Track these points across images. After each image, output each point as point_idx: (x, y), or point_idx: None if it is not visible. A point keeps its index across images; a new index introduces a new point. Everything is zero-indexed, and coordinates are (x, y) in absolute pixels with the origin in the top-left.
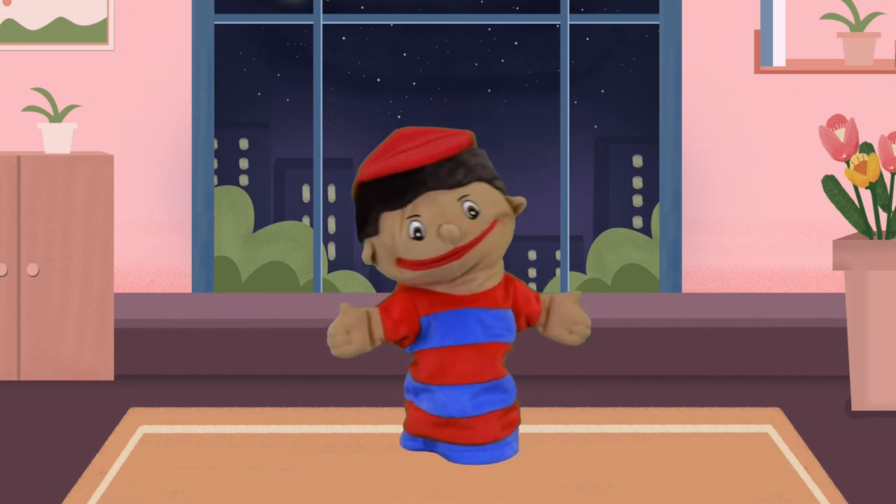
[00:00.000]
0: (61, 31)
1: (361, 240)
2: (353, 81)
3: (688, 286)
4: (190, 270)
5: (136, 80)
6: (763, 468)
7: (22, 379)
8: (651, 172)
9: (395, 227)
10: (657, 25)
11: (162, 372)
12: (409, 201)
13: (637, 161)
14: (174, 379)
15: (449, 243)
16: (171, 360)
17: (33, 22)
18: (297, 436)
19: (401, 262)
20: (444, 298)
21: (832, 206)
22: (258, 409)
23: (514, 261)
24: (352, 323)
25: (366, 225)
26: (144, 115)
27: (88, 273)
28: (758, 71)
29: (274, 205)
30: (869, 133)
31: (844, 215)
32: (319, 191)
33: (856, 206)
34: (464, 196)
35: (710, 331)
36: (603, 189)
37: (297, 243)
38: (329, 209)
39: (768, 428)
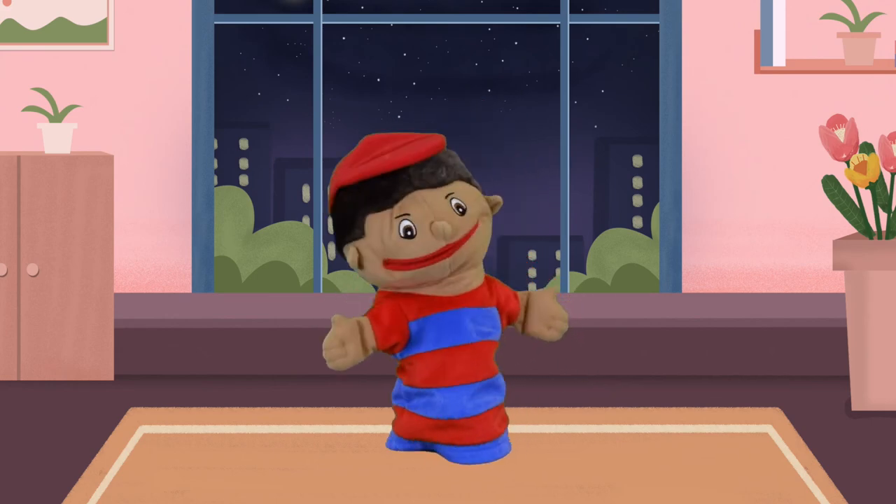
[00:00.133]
0: (61, 31)
1: (341, 247)
2: (353, 81)
3: (688, 286)
4: (190, 270)
5: (136, 80)
6: (763, 468)
7: (22, 379)
8: (651, 172)
9: (383, 228)
10: (657, 25)
11: (162, 372)
12: (397, 201)
13: (637, 161)
14: (174, 379)
15: (441, 240)
16: (171, 360)
17: (33, 22)
18: (297, 436)
19: (389, 264)
20: (433, 301)
21: (832, 206)
22: (258, 409)
23: (514, 261)
24: (346, 335)
25: (351, 229)
26: (144, 115)
27: (88, 273)
28: (758, 71)
29: (274, 205)
30: (869, 133)
31: (844, 215)
32: (319, 191)
33: (856, 206)
34: (450, 194)
35: (710, 331)
36: (603, 189)
37: (297, 243)
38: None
39: (768, 428)
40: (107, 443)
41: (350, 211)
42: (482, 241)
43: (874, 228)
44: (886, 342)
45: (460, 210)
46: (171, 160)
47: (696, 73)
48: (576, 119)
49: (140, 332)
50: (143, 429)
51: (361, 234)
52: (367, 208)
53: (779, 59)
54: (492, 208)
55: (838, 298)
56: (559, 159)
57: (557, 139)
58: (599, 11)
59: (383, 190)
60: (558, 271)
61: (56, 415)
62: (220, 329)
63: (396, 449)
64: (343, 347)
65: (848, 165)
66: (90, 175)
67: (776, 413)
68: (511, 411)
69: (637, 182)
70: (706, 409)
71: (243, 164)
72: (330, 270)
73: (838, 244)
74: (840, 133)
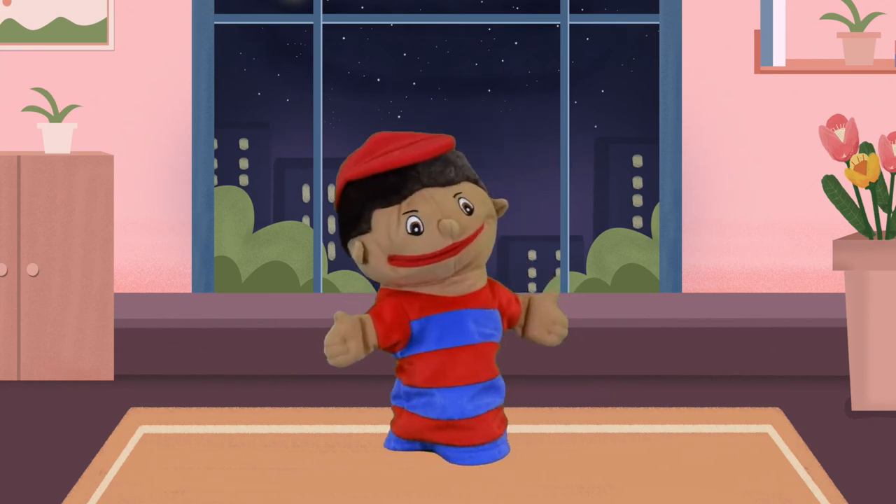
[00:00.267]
0: (61, 31)
1: (345, 242)
2: (353, 81)
3: (688, 286)
4: (190, 270)
5: (136, 80)
6: (763, 468)
7: (22, 379)
8: (651, 172)
9: (390, 224)
10: (657, 25)
11: (162, 372)
12: (405, 197)
13: (637, 161)
14: (174, 379)
15: (448, 238)
16: (171, 360)
17: (33, 22)
18: (297, 436)
19: (394, 260)
20: (436, 301)
21: (832, 206)
22: (258, 409)
23: (514, 261)
24: (348, 331)
25: (357, 223)
26: (144, 115)
27: (88, 273)
28: (758, 71)
29: (274, 205)
30: (869, 133)
31: (844, 215)
32: (319, 191)
33: (856, 206)
34: (458, 193)
35: (710, 331)
36: (603, 189)
37: (297, 243)
38: (329, 209)
39: (768, 428)
40: (107, 443)
41: (357, 205)
42: (487, 242)
43: (874, 228)
44: (886, 342)
45: (468, 210)
46: (171, 160)
47: (696, 73)
48: (576, 119)
49: (140, 332)
50: (143, 429)
51: (368, 229)
52: (374, 203)
53: (779, 59)
54: (497, 211)
55: (838, 298)
56: (559, 159)
57: (557, 139)
58: (599, 11)
59: (392, 186)
60: (558, 271)
61: (56, 415)
62: (220, 329)
63: (395, 449)
64: (344, 344)
65: (848, 165)
66: (90, 175)
67: (776, 413)
68: (511, 411)
69: (637, 182)
70: (706, 409)
71: (243, 164)
72: (330, 270)
73: (838, 244)
74: (840, 133)
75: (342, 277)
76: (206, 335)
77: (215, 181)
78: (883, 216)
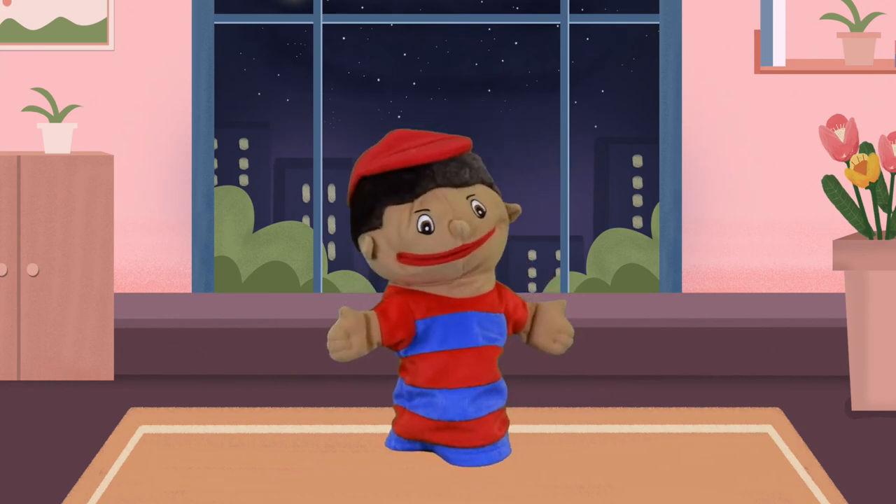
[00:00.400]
0: (61, 31)
1: (356, 237)
2: (353, 81)
3: (688, 286)
4: (190, 270)
5: (136, 80)
6: (763, 468)
7: (22, 379)
8: (651, 172)
9: (401, 221)
10: (657, 25)
11: (162, 372)
12: (418, 195)
13: (637, 161)
14: (174, 379)
15: (458, 239)
16: (171, 360)
17: (33, 22)
18: (297, 436)
19: (403, 257)
20: (442, 302)
21: (832, 206)
22: (258, 409)
23: (514, 261)
24: (352, 326)
25: (369, 218)
26: (144, 115)
27: (88, 273)
28: (758, 71)
29: (274, 205)
30: (869, 133)
31: (844, 215)
32: (319, 191)
33: (856, 206)
34: (471, 195)
35: (710, 331)
36: (603, 189)
37: (297, 243)
38: (329, 209)
39: (768, 428)
40: (107, 443)
41: (370, 200)
42: (498, 246)
43: (874, 228)
44: (886, 342)
45: (480, 212)
46: (171, 160)
47: (696, 73)
48: (576, 119)
49: (140, 332)
50: (143, 429)
51: (379, 225)
52: (387, 199)
53: (779, 59)
54: (510, 216)
55: (838, 298)
56: (559, 159)
57: (557, 139)
58: (599, 11)
59: (406, 183)
60: (558, 271)
61: (56, 415)
62: (220, 329)
63: (395, 448)
64: (348, 339)
65: (848, 165)
66: (90, 175)
67: (776, 413)
68: (511, 411)
69: (637, 182)
70: (706, 409)
71: (243, 164)
72: (330, 270)
73: (838, 244)
74: (840, 133)
75: (342, 277)
76: (206, 335)
77: (215, 181)
78: (883, 216)
